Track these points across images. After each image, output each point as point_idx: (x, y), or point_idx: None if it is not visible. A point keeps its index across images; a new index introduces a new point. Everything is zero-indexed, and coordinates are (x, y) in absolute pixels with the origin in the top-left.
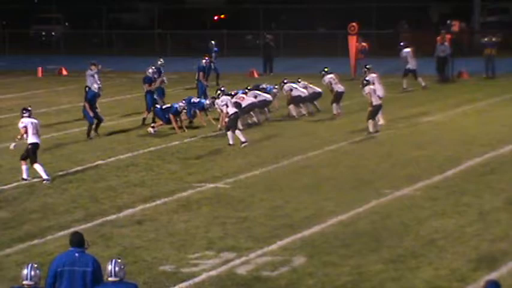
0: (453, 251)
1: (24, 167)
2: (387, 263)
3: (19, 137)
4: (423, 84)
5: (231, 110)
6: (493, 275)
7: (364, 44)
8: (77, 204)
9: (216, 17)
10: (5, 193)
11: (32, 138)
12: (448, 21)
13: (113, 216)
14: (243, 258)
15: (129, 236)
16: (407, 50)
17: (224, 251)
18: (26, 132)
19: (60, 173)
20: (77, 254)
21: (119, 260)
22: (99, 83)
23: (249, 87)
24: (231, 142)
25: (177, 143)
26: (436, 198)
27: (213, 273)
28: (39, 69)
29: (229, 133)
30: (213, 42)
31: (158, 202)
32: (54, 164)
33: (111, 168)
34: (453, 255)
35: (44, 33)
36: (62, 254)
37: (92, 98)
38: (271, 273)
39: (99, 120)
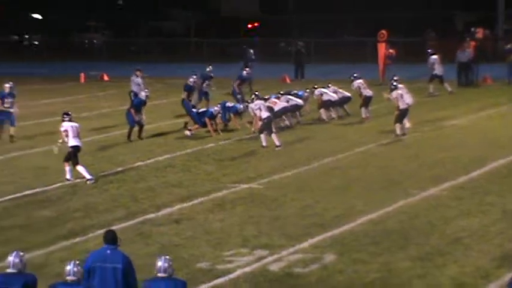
0: (478, 249)
1: (67, 168)
2: (415, 260)
3: (60, 140)
4: (449, 89)
5: (264, 114)
6: None
7: (391, 50)
8: (118, 203)
9: (249, 25)
10: (50, 193)
11: (72, 141)
12: (473, 29)
13: (152, 215)
14: (276, 256)
15: (167, 234)
16: (435, 57)
17: (258, 248)
18: (67, 135)
19: (102, 174)
20: (108, 251)
21: (168, 257)
22: (146, 90)
23: (281, 92)
24: (264, 144)
25: (212, 145)
26: (461, 198)
27: (247, 269)
28: (82, 75)
29: (262, 136)
30: (251, 51)
31: (195, 202)
32: (96, 165)
33: (150, 169)
34: (478, 253)
35: (86, 41)
36: (95, 251)
37: (138, 105)
38: (302, 270)
39: (141, 126)
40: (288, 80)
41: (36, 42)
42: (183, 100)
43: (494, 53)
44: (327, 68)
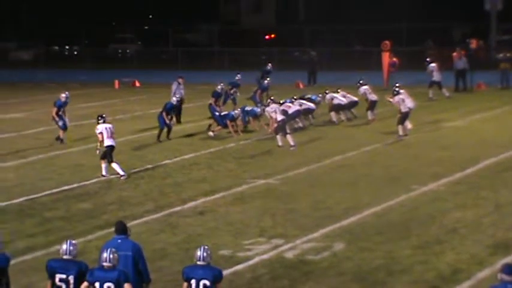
0: (473, 238)
1: (103, 165)
2: (415, 248)
3: (99, 143)
4: (447, 94)
5: (279, 116)
6: (508, 259)
7: (395, 59)
8: (148, 197)
9: (267, 37)
10: (87, 188)
11: (107, 141)
12: (467, 40)
13: (179, 208)
14: (291, 244)
15: (192, 225)
16: (433, 64)
17: (274, 238)
18: (102, 136)
19: (134, 171)
20: (119, 241)
21: (206, 247)
22: (178, 96)
23: (295, 97)
24: (279, 144)
25: (233, 145)
26: (457, 192)
27: (264, 257)
28: (116, 81)
29: (278, 136)
30: (270, 64)
31: (217, 196)
32: (128, 162)
33: (177, 167)
34: (473, 242)
35: (120, 51)
36: (108, 241)
37: (170, 109)
38: (314, 257)
39: (169, 128)
40: (301, 86)
41: (75, 52)
42: (210, 105)
43: (488, 61)
44: (337, 75)
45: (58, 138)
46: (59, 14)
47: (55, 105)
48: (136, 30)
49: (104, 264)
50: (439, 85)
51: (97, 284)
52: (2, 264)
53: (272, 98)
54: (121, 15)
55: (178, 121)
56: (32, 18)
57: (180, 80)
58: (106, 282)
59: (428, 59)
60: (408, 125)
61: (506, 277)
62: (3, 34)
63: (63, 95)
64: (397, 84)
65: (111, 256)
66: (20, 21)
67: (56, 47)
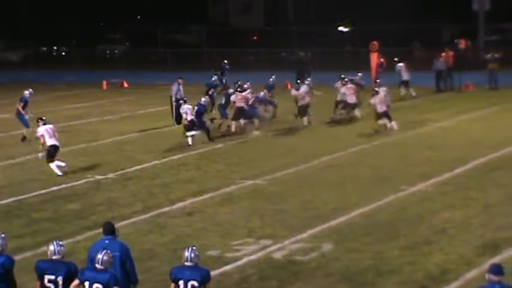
0: (461, 239)
1: (53, 166)
2: (404, 249)
3: (41, 146)
4: (414, 94)
5: (189, 117)
6: (496, 260)
7: (382, 59)
8: (136, 198)
9: (255, 37)
10: (76, 188)
11: (50, 141)
12: (456, 40)
13: (167, 209)
14: (279, 245)
15: (180, 225)
16: (401, 64)
17: (262, 238)
18: (44, 138)
19: (122, 171)
20: (107, 241)
21: (194, 248)
22: (178, 97)
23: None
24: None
25: (221, 145)
26: (446, 193)
27: (253, 257)
28: (104, 82)
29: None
30: (225, 61)
31: (205, 196)
32: (117, 163)
33: (165, 167)
34: (461, 243)
35: (108, 52)
36: (96, 242)
37: (199, 111)
38: (303, 258)
39: (208, 129)
40: (289, 86)
41: (63, 53)
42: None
43: (476, 61)
44: (326, 76)
45: (24, 139)
46: (47, 14)
47: (21, 100)
48: (124, 30)
49: (97, 265)
50: (406, 85)
51: (86, 284)
52: (7, 265)
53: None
54: (109, 15)
55: (179, 122)
56: (20, 19)
57: (180, 81)
58: (96, 283)
59: (396, 59)
60: (394, 125)
61: (494, 277)
62: None
63: (27, 92)
64: (377, 81)
65: (105, 258)
66: (9, 22)
67: (45, 48)
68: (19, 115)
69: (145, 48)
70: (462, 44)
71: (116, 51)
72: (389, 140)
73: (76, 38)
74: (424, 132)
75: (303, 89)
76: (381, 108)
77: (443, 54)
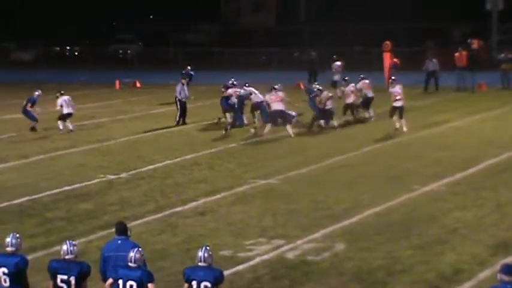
0: (473, 239)
1: (60, 122)
2: (416, 248)
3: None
4: (339, 95)
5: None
6: (509, 259)
7: (395, 60)
8: (149, 197)
9: (266, 36)
10: (89, 188)
11: (66, 110)
12: (469, 40)
13: (179, 208)
14: (291, 245)
15: (193, 225)
16: (339, 63)
17: (275, 238)
18: (62, 107)
19: (134, 171)
20: (119, 241)
21: (208, 248)
22: (182, 96)
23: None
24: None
25: (234, 145)
26: (458, 193)
27: (265, 257)
28: (117, 82)
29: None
30: (189, 67)
31: (218, 196)
32: (129, 163)
33: (178, 167)
34: (473, 242)
35: (121, 51)
36: (108, 242)
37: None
38: (315, 258)
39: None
40: (302, 86)
41: (76, 53)
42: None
43: (489, 61)
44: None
45: (33, 129)
46: (59, 14)
47: (29, 101)
48: (137, 30)
49: (130, 264)
50: (335, 85)
51: (120, 282)
52: (22, 266)
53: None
54: (122, 15)
55: (184, 122)
56: (33, 18)
57: (183, 81)
58: (129, 280)
59: (334, 56)
60: (404, 127)
61: (505, 277)
62: (3, 34)
63: (36, 93)
64: (392, 78)
65: (137, 256)
66: (21, 22)
67: (57, 48)
68: (26, 112)
69: (157, 48)
70: (475, 44)
71: (129, 51)
72: (401, 140)
73: (88, 37)
74: (436, 132)
75: (349, 87)
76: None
77: (457, 54)
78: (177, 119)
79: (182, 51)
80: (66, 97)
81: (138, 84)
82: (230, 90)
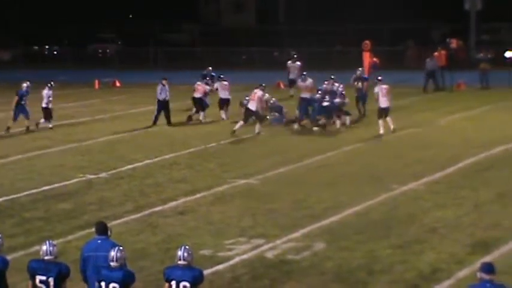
0: (452, 238)
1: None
2: (395, 248)
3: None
4: (291, 93)
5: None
6: (487, 258)
7: (375, 59)
8: (128, 197)
9: (247, 36)
10: (68, 188)
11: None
12: (448, 39)
13: (159, 208)
14: (271, 244)
15: (172, 224)
16: (298, 63)
17: (254, 237)
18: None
19: (114, 171)
20: (99, 241)
21: (188, 247)
22: (163, 97)
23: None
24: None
25: (214, 144)
26: (437, 192)
27: (245, 257)
28: (96, 81)
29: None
30: (210, 68)
31: (198, 195)
32: (109, 162)
33: (157, 167)
34: (452, 241)
35: (100, 51)
36: (88, 241)
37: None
38: (295, 257)
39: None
40: (282, 86)
41: (55, 52)
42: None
43: (468, 61)
44: (317, 75)
45: (29, 128)
46: (38, 14)
47: (17, 94)
48: (116, 30)
49: (111, 263)
50: (293, 84)
51: (103, 284)
52: (1, 267)
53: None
54: (101, 15)
55: (169, 122)
56: (11, 17)
57: (164, 82)
58: (112, 282)
59: (296, 55)
60: (391, 125)
61: (485, 276)
62: None
63: (25, 85)
64: (378, 78)
65: (118, 255)
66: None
67: (36, 47)
68: (18, 108)
69: (137, 48)
70: (454, 43)
71: (108, 51)
72: (381, 139)
73: (68, 37)
74: (416, 132)
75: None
76: (382, 104)
77: (436, 53)
78: (154, 118)
79: (162, 51)
80: (51, 91)
81: (117, 84)
82: (200, 87)
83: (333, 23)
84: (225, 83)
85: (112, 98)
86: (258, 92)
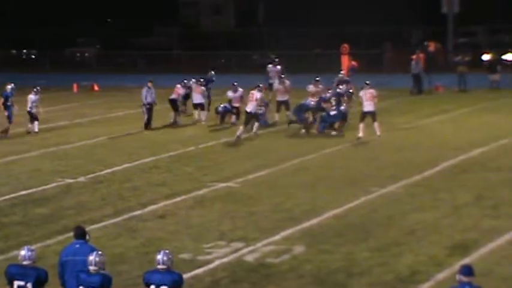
0: (431, 240)
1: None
2: (374, 250)
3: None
4: (269, 97)
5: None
6: (466, 260)
7: (354, 62)
8: (107, 201)
9: (226, 39)
10: (46, 192)
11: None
12: (425, 42)
13: (138, 212)
14: (251, 247)
15: (152, 228)
16: (279, 67)
17: (234, 241)
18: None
19: (92, 175)
20: (77, 245)
21: (167, 251)
22: (149, 100)
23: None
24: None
25: (193, 148)
26: (415, 194)
27: (224, 260)
28: (75, 85)
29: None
30: (212, 72)
31: (177, 199)
32: (87, 167)
33: (137, 170)
34: (431, 244)
35: (78, 55)
36: (66, 246)
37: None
38: (274, 260)
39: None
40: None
41: (33, 56)
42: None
43: (445, 64)
44: (296, 78)
45: (4, 132)
46: (16, 17)
47: (2, 96)
48: (95, 33)
49: (90, 267)
50: (271, 88)
51: None
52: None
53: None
54: (79, 18)
55: (148, 126)
56: None
57: (150, 84)
58: (90, 287)
59: (277, 59)
60: (377, 131)
61: (464, 278)
62: None
63: (9, 86)
64: (367, 82)
65: (97, 259)
66: None
67: (14, 51)
68: (8, 109)
69: (115, 51)
70: (432, 46)
71: (86, 54)
72: (360, 143)
73: (46, 41)
74: (394, 134)
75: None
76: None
77: (414, 56)
78: (146, 122)
79: (141, 54)
80: (37, 97)
81: (96, 88)
82: (177, 90)
83: (312, 26)
84: (202, 88)
85: (90, 101)
86: (256, 94)
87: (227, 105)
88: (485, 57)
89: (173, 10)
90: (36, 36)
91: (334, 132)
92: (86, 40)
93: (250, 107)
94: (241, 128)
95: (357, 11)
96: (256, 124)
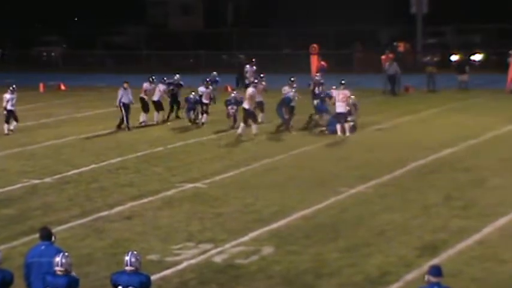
0: (400, 240)
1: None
2: (343, 251)
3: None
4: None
5: None
6: (435, 261)
7: (323, 63)
8: (74, 202)
9: (195, 39)
10: (11, 193)
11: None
12: (395, 43)
13: (105, 213)
14: (219, 249)
15: (119, 229)
16: (254, 67)
17: (202, 242)
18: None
19: (59, 176)
20: (43, 247)
21: (135, 253)
22: (127, 101)
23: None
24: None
25: (161, 148)
26: (385, 194)
27: (193, 261)
28: (41, 85)
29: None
30: (215, 73)
31: (145, 200)
32: (54, 167)
33: (104, 171)
34: (400, 244)
35: (45, 54)
36: (32, 247)
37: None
38: (243, 261)
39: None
40: (229, 89)
41: None
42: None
43: (414, 64)
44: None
45: None
46: None
47: None
48: (61, 32)
49: (56, 268)
50: (246, 86)
51: None
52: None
53: None
54: (46, 17)
55: (119, 127)
56: None
57: (126, 85)
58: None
59: (253, 60)
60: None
61: (433, 279)
62: None
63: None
64: (342, 82)
65: (63, 261)
66: None
67: None
68: None
69: (83, 50)
70: (401, 47)
71: (53, 54)
72: (329, 143)
73: (11, 39)
74: (363, 135)
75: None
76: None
77: (384, 57)
78: (126, 123)
79: (109, 54)
80: (12, 96)
81: (63, 87)
82: (147, 88)
83: (281, 26)
84: (163, 86)
85: (57, 101)
86: (249, 90)
87: (197, 97)
88: (454, 57)
89: (141, 10)
90: (2, 35)
91: (323, 129)
92: (53, 39)
93: (247, 104)
94: (242, 125)
95: (326, 11)
96: (254, 126)
